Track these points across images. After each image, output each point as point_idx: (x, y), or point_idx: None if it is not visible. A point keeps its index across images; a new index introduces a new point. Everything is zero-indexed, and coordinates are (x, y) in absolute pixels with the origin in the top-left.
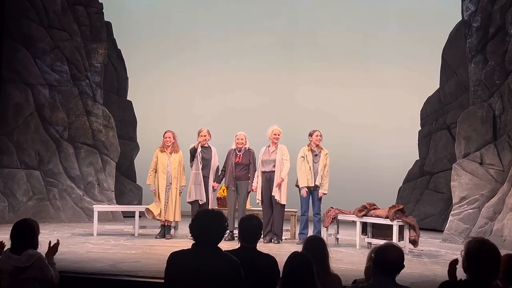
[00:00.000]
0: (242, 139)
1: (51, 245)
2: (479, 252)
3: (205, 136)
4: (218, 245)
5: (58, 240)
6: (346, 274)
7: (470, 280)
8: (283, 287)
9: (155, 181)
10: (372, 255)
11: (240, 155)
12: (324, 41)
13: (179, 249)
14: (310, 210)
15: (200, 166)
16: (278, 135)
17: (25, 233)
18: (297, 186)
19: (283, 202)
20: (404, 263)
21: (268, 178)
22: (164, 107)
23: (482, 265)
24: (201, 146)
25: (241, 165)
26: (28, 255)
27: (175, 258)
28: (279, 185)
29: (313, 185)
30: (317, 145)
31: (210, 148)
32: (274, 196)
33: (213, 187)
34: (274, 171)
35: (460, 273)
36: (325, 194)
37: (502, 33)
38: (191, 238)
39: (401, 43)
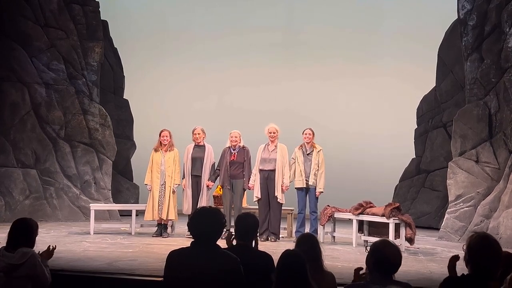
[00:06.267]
0: (236, 137)
1: (50, 249)
2: (481, 246)
3: (198, 134)
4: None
5: (55, 246)
6: (343, 272)
7: (472, 275)
8: (277, 285)
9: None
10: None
11: (234, 153)
12: (321, 39)
13: (176, 247)
14: (307, 208)
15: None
16: (274, 133)
17: (22, 231)
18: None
19: (281, 201)
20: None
21: (266, 176)
22: (161, 106)
23: (483, 260)
24: (195, 145)
25: (236, 164)
26: (21, 253)
27: (175, 256)
28: (282, 188)
29: (305, 186)
30: (308, 143)
31: (204, 146)
32: (277, 197)
33: (207, 186)
34: (273, 170)
35: (461, 269)
36: (321, 192)
37: (497, 31)
38: (188, 236)
39: (397, 42)
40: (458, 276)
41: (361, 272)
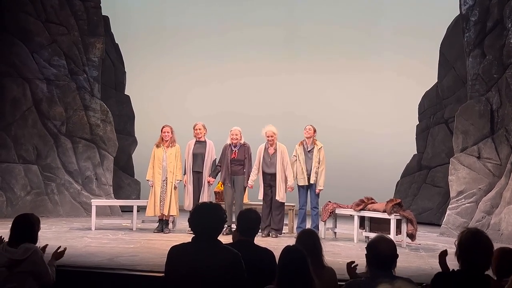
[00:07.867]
0: (237, 135)
1: (59, 250)
2: (472, 242)
3: (199, 130)
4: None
5: (65, 248)
6: (344, 268)
7: (463, 270)
8: (279, 281)
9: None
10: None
11: (235, 150)
12: (321, 35)
13: (177, 243)
14: (308, 204)
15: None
16: (271, 136)
17: (24, 227)
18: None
19: (283, 200)
20: (401, 257)
21: (269, 179)
22: (162, 102)
23: (474, 255)
24: (196, 140)
25: (237, 161)
26: (24, 248)
27: (176, 251)
28: (285, 188)
29: (307, 184)
30: (309, 138)
31: (205, 142)
32: (277, 200)
33: (208, 182)
34: (274, 173)
35: (453, 264)
36: (321, 190)
37: (500, 27)
38: (189, 232)
39: (398, 38)
40: (449, 271)
41: (352, 265)
